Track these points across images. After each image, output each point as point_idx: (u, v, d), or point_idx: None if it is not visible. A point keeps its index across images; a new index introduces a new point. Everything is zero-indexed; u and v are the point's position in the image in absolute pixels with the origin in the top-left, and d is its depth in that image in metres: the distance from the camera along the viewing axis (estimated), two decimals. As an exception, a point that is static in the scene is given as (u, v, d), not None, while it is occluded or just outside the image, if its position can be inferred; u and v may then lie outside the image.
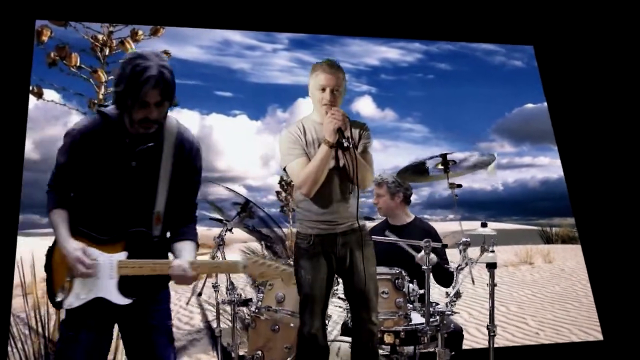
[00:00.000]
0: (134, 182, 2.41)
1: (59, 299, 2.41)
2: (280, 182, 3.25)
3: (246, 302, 3.70)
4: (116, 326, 2.57)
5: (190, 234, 2.53)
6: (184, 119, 5.01)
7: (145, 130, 2.38)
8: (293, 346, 3.52)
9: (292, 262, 3.14)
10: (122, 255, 2.41)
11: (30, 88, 4.81)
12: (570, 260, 6.03)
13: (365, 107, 5.93)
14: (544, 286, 6.02)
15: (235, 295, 3.70)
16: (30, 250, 4.58)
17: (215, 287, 3.79)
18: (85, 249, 2.39)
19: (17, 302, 4.58)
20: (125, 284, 2.40)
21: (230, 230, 3.79)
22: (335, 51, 5.71)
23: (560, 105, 5.74)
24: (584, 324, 5.54)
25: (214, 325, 3.91)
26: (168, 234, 2.53)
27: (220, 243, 3.72)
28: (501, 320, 5.12)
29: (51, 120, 4.99)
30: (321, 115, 3.07)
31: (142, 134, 2.40)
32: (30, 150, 4.69)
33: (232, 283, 3.72)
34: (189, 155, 2.50)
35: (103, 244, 2.42)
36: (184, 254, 2.45)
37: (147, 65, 2.27)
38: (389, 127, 6.02)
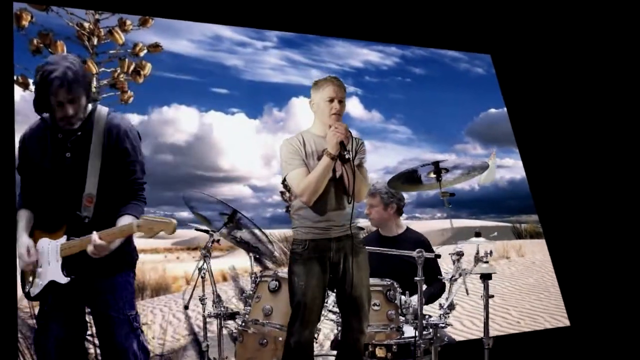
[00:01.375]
0: (68, 171, 2.66)
1: (26, 290, 2.72)
2: (283, 182, 3.25)
3: (233, 316, 3.60)
4: None
5: (128, 210, 2.69)
6: (183, 115, 5.00)
7: (69, 127, 2.63)
8: (282, 360, 3.46)
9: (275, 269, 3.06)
10: (63, 239, 2.67)
11: (15, 78, 4.55)
12: (538, 253, 6.54)
13: (353, 108, 6.12)
14: (520, 278, 6.52)
15: (222, 308, 3.59)
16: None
17: (202, 300, 3.68)
18: (30, 245, 2.68)
19: (23, 313, 4.32)
20: (67, 265, 2.65)
21: (218, 241, 3.69)
22: (321, 51, 5.91)
23: (518, 110, 6.20)
24: (554, 312, 6.02)
25: (201, 339, 3.80)
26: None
27: (207, 254, 3.61)
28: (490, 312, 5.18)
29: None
30: (324, 127, 3.18)
31: (72, 128, 2.65)
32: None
33: (218, 296, 3.62)
34: (117, 138, 2.69)
35: (52, 232, 2.69)
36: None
37: (53, 69, 2.55)
38: (378, 128, 6.32)
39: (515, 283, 6.46)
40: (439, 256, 3.66)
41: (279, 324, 3.38)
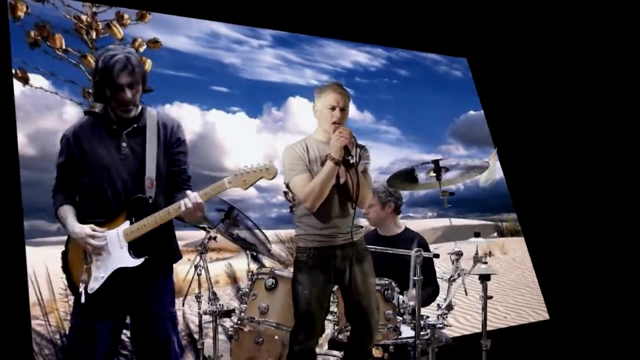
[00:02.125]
0: (126, 161, 2.73)
1: (81, 289, 2.65)
2: (286, 187, 3.24)
3: (229, 313, 3.56)
4: None
5: (184, 197, 2.71)
6: (186, 113, 4.96)
7: (126, 114, 2.72)
8: (277, 359, 3.42)
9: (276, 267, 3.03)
10: (125, 224, 2.69)
11: (13, 72, 4.40)
12: (518, 251, 6.69)
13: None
14: (504, 275, 6.59)
15: (218, 306, 3.55)
16: (43, 262, 4.12)
17: (197, 297, 3.64)
18: (92, 227, 2.67)
19: (37, 324, 4.09)
20: (135, 248, 2.67)
21: (214, 238, 3.65)
22: (314, 51, 5.92)
23: (495, 112, 6.60)
24: (535, 307, 6.28)
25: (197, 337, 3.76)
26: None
27: (203, 251, 3.57)
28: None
29: (43, 110, 4.52)
30: (327, 133, 3.15)
31: (126, 119, 2.74)
32: (24, 145, 4.32)
33: (214, 293, 3.58)
34: (171, 130, 2.82)
35: (107, 223, 2.70)
36: None
37: (114, 53, 2.65)
38: (370, 129, 6.32)
39: (500, 279, 6.56)
40: (437, 256, 3.63)
41: (275, 322, 3.34)
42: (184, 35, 5.20)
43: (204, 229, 3.65)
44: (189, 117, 5.05)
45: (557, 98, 6.36)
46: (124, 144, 2.74)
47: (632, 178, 6.04)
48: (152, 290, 2.73)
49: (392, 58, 6.52)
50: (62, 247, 2.88)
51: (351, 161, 3.04)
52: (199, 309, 3.64)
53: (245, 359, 3.45)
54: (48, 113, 4.52)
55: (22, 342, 3.96)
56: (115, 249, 2.66)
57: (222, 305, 3.57)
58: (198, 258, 3.58)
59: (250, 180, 2.72)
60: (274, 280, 3.42)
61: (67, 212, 2.75)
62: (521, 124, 6.41)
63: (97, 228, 2.68)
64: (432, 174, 3.57)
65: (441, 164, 3.53)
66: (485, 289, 3.48)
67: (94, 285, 2.66)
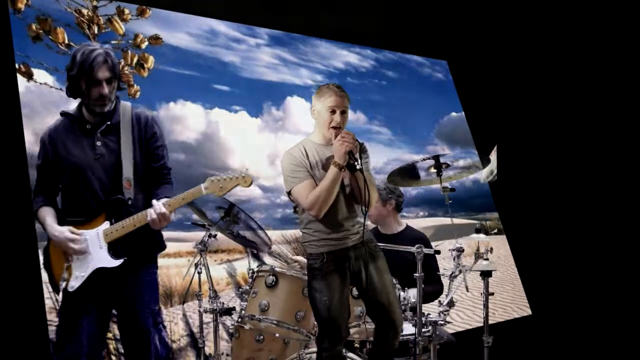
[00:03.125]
0: (101, 160, 2.72)
1: (62, 286, 2.68)
2: (288, 195, 3.16)
3: (229, 311, 3.54)
4: None
5: (164, 193, 2.78)
6: (190, 112, 4.95)
7: (101, 109, 2.72)
8: (278, 357, 3.44)
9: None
10: (105, 225, 2.70)
11: (17, 66, 4.29)
12: (501, 248, 6.78)
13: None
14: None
15: (218, 304, 3.54)
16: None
17: (198, 295, 3.63)
18: (71, 229, 2.69)
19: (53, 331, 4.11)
20: (114, 249, 2.69)
21: (214, 236, 3.64)
22: (308, 51, 5.91)
23: (475, 114, 6.78)
24: (519, 302, 6.46)
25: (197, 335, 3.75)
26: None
27: (203, 249, 3.56)
28: (476, 303, 5.45)
29: (49, 106, 4.33)
30: (324, 136, 3.08)
31: (99, 118, 2.74)
32: (33, 142, 4.08)
33: (215, 291, 3.56)
34: (145, 125, 2.80)
35: (87, 222, 2.71)
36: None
37: (94, 48, 2.69)
38: (363, 129, 6.35)
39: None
40: (438, 252, 3.60)
41: (276, 320, 3.33)
42: (184, 32, 5.18)
43: (203, 226, 3.64)
44: (192, 116, 5.04)
45: (536, 98, 6.53)
46: (98, 143, 2.75)
47: (611, 175, 6.21)
48: (133, 286, 2.76)
49: (380, 59, 6.58)
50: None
51: (357, 166, 2.97)
52: (200, 307, 3.63)
53: (246, 357, 3.44)
54: (54, 110, 4.42)
55: (40, 347, 3.95)
56: (95, 248, 2.69)
57: (223, 303, 3.55)
58: (198, 256, 3.57)
59: (227, 187, 2.73)
60: (274, 278, 3.41)
61: (46, 214, 2.78)
62: (501, 124, 6.55)
63: (75, 230, 2.69)
64: (433, 169, 3.55)
65: (442, 160, 3.51)
66: (486, 286, 3.46)
67: (74, 284, 2.69)
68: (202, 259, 3.60)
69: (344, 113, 3.07)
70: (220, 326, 3.67)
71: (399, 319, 3.10)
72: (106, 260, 2.68)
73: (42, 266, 2.91)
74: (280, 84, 5.51)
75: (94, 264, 2.68)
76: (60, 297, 2.77)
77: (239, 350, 3.48)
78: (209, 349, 3.78)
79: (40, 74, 4.41)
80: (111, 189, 2.72)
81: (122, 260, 2.68)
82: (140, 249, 2.75)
